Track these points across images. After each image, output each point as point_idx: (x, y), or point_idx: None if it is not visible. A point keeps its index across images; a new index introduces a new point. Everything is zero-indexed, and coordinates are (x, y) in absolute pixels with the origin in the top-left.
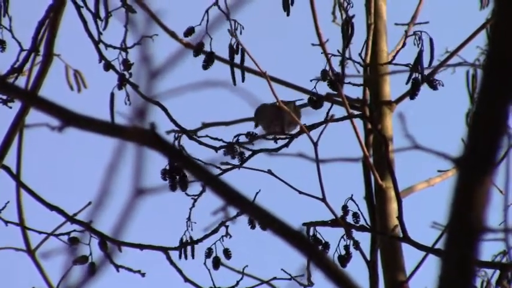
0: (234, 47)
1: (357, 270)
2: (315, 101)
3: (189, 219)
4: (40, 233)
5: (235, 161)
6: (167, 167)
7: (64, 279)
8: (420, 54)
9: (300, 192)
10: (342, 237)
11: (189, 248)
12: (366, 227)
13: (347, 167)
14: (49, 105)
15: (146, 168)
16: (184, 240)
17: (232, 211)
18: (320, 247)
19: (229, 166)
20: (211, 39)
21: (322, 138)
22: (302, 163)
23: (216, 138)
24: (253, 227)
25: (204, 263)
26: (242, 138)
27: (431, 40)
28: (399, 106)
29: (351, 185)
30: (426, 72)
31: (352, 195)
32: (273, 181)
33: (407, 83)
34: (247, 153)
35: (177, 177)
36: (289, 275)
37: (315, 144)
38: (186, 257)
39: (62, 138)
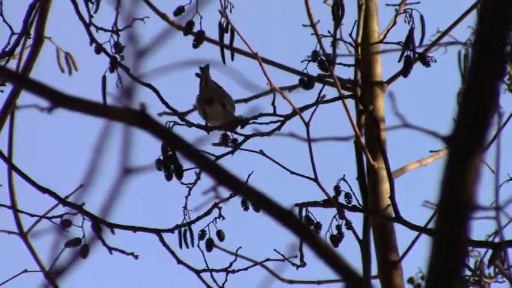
0: (224, 26)
1: (349, 250)
2: (306, 82)
3: (185, 207)
4: (32, 215)
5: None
6: (161, 157)
7: (56, 262)
8: (411, 32)
9: (292, 173)
10: (334, 217)
11: (188, 235)
12: (358, 207)
13: (339, 148)
14: (39, 87)
15: (134, 148)
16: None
17: (225, 193)
18: (312, 227)
19: (223, 153)
20: (201, 18)
21: (314, 119)
22: (294, 144)
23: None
24: (246, 208)
25: (198, 245)
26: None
27: (422, 17)
28: (391, 86)
29: (343, 166)
30: (418, 51)
31: (344, 175)
32: (265, 162)
33: (399, 61)
34: (238, 138)
35: (172, 166)
36: (282, 255)
37: (307, 125)
38: (187, 245)
39: (53, 120)
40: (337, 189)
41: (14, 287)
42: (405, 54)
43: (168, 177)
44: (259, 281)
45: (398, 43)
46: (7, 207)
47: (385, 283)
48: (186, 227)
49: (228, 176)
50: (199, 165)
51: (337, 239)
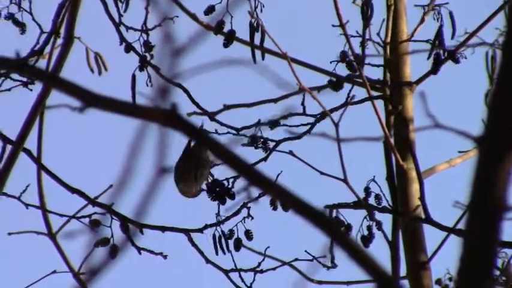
0: (255, 26)
1: (378, 251)
2: (335, 83)
3: (218, 214)
4: (61, 216)
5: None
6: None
7: (85, 262)
8: (441, 28)
9: (322, 173)
10: (365, 218)
11: (223, 240)
12: (388, 208)
13: (368, 149)
14: (70, 86)
15: (169, 148)
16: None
17: (254, 192)
18: (342, 229)
19: (257, 160)
20: (232, 17)
21: (344, 120)
22: (323, 145)
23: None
24: (275, 208)
25: (226, 245)
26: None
27: (451, 14)
28: (419, 87)
29: (373, 167)
30: (448, 48)
31: (374, 176)
32: (295, 163)
33: (428, 58)
34: (269, 140)
35: (217, 189)
36: (312, 256)
37: (336, 125)
38: (223, 252)
39: (83, 120)
40: (367, 190)
41: (44, 287)
42: (434, 51)
43: (215, 199)
44: (287, 281)
45: (427, 41)
46: (36, 207)
47: (414, 284)
48: (220, 233)
49: (259, 176)
50: (230, 165)
51: (367, 239)
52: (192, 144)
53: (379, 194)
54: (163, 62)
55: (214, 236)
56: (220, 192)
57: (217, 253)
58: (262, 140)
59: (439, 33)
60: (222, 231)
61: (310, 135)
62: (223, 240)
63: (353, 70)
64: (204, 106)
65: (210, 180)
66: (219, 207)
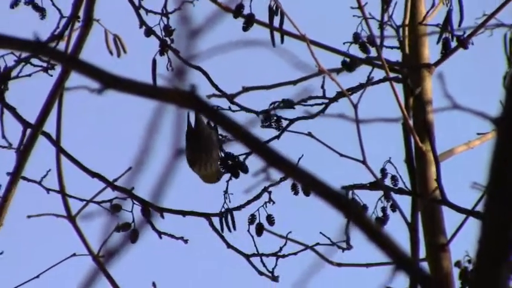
0: (274, 8)
1: (397, 234)
2: (349, 64)
3: (226, 192)
4: (81, 200)
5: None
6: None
7: (105, 246)
8: (449, 13)
9: (341, 155)
10: (379, 199)
11: (229, 218)
12: (405, 189)
13: (387, 131)
14: (89, 68)
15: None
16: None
17: (275, 177)
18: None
19: (271, 137)
20: (251, 1)
21: (362, 103)
22: (341, 127)
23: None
24: (296, 192)
25: (248, 230)
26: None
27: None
28: (438, 69)
29: (391, 148)
30: (465, 33)
31: (390, 158)
32: (313, 145)
33: (438, 43)
34: (283, 119)
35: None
36: (329, 239)
37: (355, 107)
38: (229, 229)
39: (102, 102)
40: (383, 171)
41: (63, 271)
42: (444, 36)
43: (227, 173)
44: (307, 265)
45: (437, 25)
46: (56, 191)
47: (433, 266)
48: (227, 211)
49: (279, 158)
50: (249, 147)
51: (382, 221)
52: (193, 126)
53: (395, 176)
54: (182, 44)
55: (221, 215)
56: (232, 165)
57: (222, 231)
58: (275, 118)
59: (448, 18)
60: (228, 208)
61: (328, 116)
62: (229, 218)
63: (366, 52)
64: (223, 88)
65: (221, 156)
66: (227, 187)
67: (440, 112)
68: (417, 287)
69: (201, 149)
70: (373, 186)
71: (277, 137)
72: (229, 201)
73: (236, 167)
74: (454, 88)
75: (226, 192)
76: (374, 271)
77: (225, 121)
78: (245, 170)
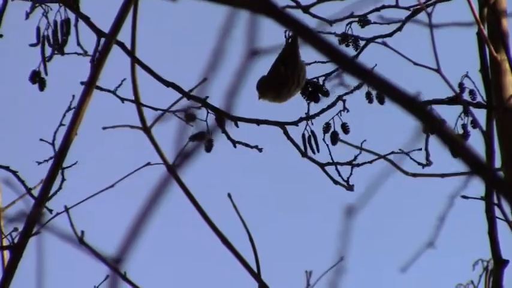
0: None
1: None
2: None
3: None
4: (156, 109)
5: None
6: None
7: (179, 155)
8: None
9: (415, 64)
10: (459, 116)
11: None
12: (483, 103)
13: (461, 42)
14: None
15: (259, 31)
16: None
17: (349, 85)
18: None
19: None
20: None
21: (437, 13)
22: (415, 37)
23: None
24: (370, 101)
25: (323, 138)
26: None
27: None
28: None
29: (466, 58)
30: None
31: (467, 72)
32: (387, 54)
33: None
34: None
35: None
36: (405, 153)
37: (429, 15)
38: (313, 151)
39: (175, 10)
40: (461, 86)
41: (138, 179)
42: None
43: (308, 99)
44: (382, 175)
45: None
46: (130, 101)
47: (509, 175)
48: (310, 133)
49: (353, 63)
50: (324, 52)
51: (462, 137)
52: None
53: (473, 90)
54: None
55: (303, 135)
56: (313, 91)
57: (306, 153)
58: (352, 38)
59: None
60: (311, 131)
61: (402, 22)
62: (312, 140)
63: None
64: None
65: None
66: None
67: None
68: (493, 193)
69: (294, 73)
70: (452, 101)
71: (356, 57)
72: (317, 116)
73: (317, 92)
74: None
75: (308, 114)
76: (449, 181)
77: (300, 27)
78: (326, 94)
